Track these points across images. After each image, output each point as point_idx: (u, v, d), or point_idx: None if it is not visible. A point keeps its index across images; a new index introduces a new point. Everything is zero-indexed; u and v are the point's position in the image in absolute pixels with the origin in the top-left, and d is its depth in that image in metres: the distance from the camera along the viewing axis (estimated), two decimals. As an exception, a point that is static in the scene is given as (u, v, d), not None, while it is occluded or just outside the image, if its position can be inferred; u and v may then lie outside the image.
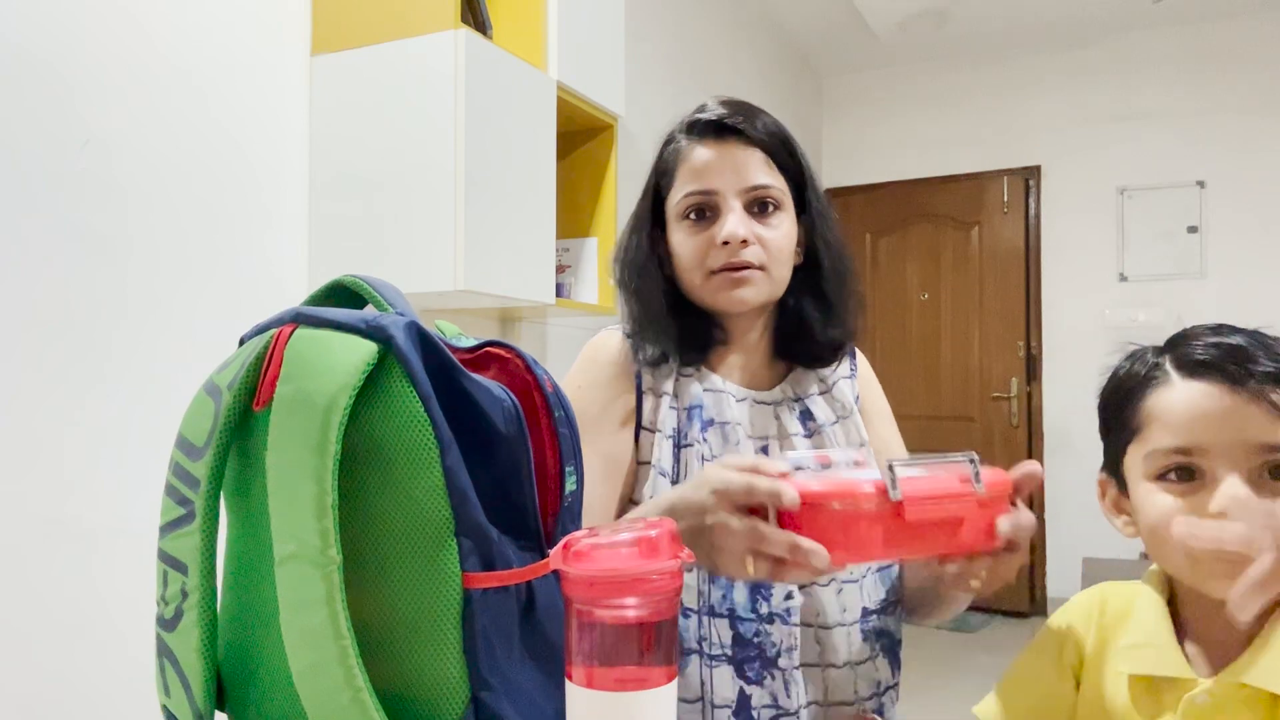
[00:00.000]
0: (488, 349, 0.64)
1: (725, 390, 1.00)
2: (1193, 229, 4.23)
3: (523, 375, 0.62)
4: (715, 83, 3.58)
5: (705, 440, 0.96)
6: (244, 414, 0.59)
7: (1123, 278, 4.36)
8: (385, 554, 0.55)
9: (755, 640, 0.92)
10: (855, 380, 1.07)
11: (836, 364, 1.04)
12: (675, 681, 0.53)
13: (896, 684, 0.98)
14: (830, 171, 5.06)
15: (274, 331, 0.59)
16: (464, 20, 1.81)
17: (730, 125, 0.95)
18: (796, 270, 1.01)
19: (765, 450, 0.99)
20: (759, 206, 0.96)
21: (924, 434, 4.68)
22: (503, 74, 1.83)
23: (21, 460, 1.35)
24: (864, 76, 4.96)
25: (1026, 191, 4.57)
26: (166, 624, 0.60)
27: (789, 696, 0.92)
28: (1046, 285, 4.52)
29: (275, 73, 1.79)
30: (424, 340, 0.56)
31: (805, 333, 1.00)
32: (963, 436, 4.62)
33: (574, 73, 2.13)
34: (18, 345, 1.35)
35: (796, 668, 0.92)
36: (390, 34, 1.77)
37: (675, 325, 0.99)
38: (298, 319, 0.58)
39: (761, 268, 0.95)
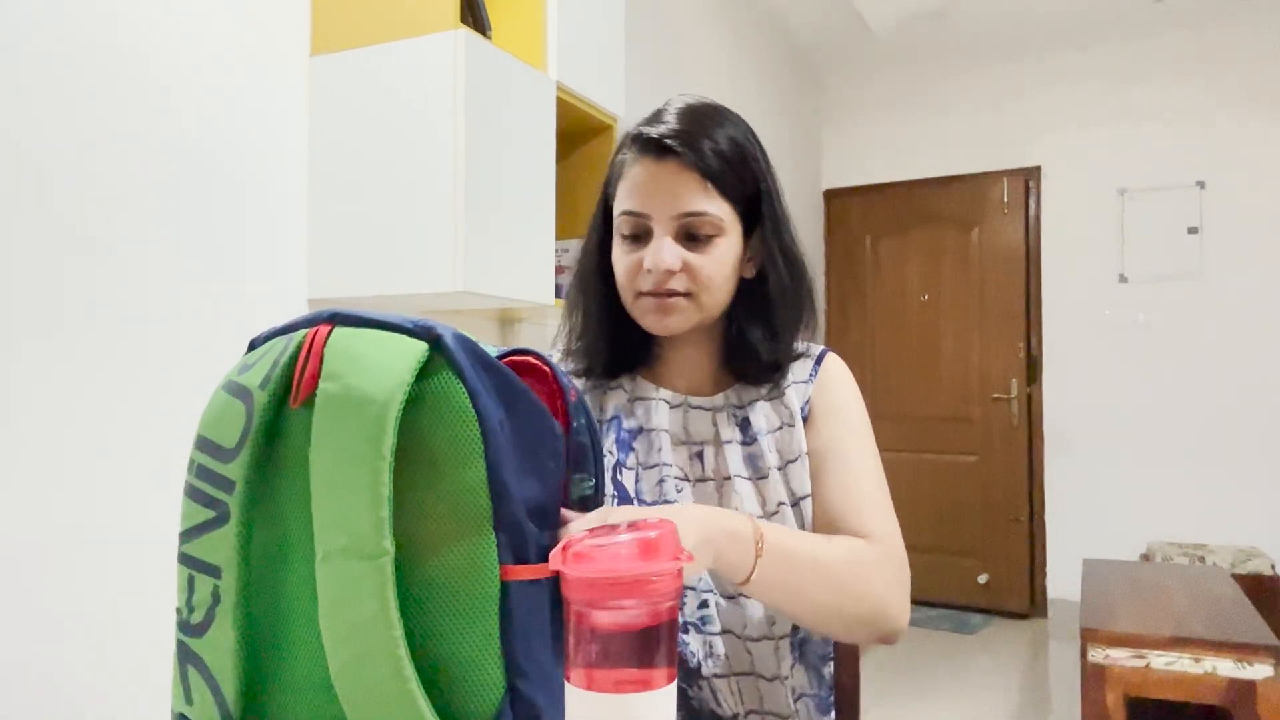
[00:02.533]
0: (515, 357, 0.66)
1: (657, 397, 1.01)
2: (1193, 229, 4.22)
3: (550, 383, 0.65)
4: (715, 83, 3.58)
5: (616, 451, 0.98)
6: (277, 412, 0.59)
7: (1123, 278, 4.36)
8: (428, 546, 0.56)
9: None
10: (811, 385, 1.01)
11: (783, 376, 1.01)
12: (675, 683, 0.53)
13: (819, 695, 0.98)
14: (830, 172, 5.06)
15: (306, 331, 0.59)
16: (464, 20, 1.81)
17: (670, 147, 0.91)
18: (747, 286, 0.99)
19: (700, 456, 0.99)
20: (692, 233, 0.93)
21: (924, 434, 4.68)
22: (502, 74, 1.83)
23: (19, 460, 1.35)
24: (864, 76, 4.96)
25: (1026, 192, 4.57)
26: (193, 629, 0.59)
27: (720, 705, 0.92)
28: (1046, 286, 4.52)
29: (275, 73, 1.79)
30: (469, 343, 0.58)
31: (748, 350, 0.98)
32: (963, 437, 4.62)
33: (574, 73, 2.12)
34: (15, 345, 1.35)
35: (721, 676, 0.92)
36: (390, 34, 1.77)
37: (610, 339, 1.00)
38: (334, 319, 0.60)
39: (689, 295, 0.94)
